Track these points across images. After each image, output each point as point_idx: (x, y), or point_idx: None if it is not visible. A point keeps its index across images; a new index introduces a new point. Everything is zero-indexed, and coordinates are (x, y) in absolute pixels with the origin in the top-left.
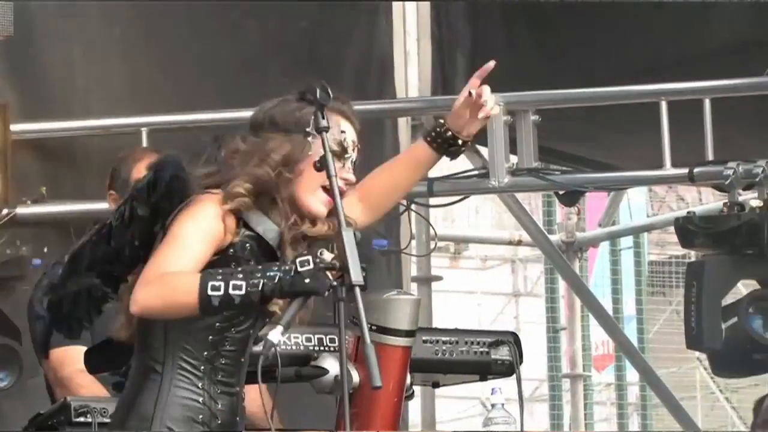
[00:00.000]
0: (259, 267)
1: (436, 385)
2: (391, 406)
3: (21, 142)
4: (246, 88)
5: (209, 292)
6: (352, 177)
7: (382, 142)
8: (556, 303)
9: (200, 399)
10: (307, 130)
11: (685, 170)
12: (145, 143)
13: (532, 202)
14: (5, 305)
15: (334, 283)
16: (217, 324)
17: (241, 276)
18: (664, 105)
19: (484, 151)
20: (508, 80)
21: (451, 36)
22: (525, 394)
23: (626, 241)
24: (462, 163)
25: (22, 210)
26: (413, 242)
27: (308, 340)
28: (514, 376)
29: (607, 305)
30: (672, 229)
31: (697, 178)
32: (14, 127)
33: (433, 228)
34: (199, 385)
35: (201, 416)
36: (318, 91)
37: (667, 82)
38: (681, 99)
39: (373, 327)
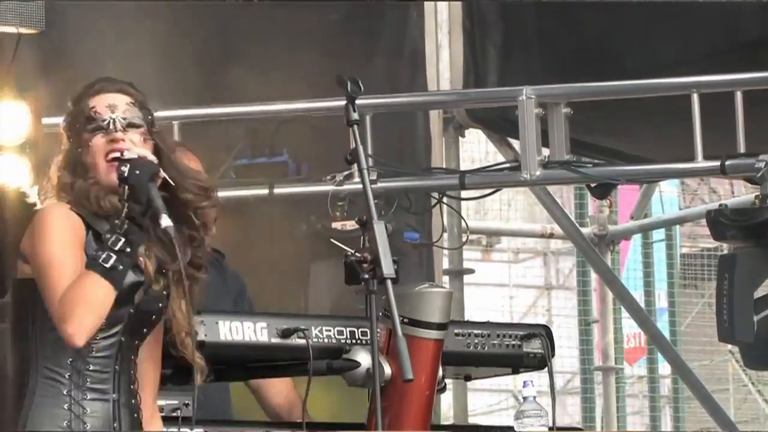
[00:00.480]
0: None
1: (468, 378)
2: (423, 399)
3: (52, 136)
4: (277, 81)
5: (108, 266)
6: (118, 136)
7: (413, 135)
8: (588, 296)
9: (65, 405)
10: (68, 134)
11: (717, 163)
12: (176, 136)
13: (564, 195)
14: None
15: (366, 276)
16: None
17: (108, 237)
18: (695, 97)
19: (515, 143)
20: (540, 73)
21: (482, 29)
22: (557, 387)
23: (658, 234)
24: (494, 156)
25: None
26: (445, 235)
27: (340, 333)
28: (546, 369)
29: (639, 298)
30: (704, 221)
31: (728, 170)
32: (45, 121)
33: (464, 221)
34: (64, 391)
35: (66, 422)
36: (349, 83)
37: (698, 75)
38: (713, 91)
39: (405, 320)
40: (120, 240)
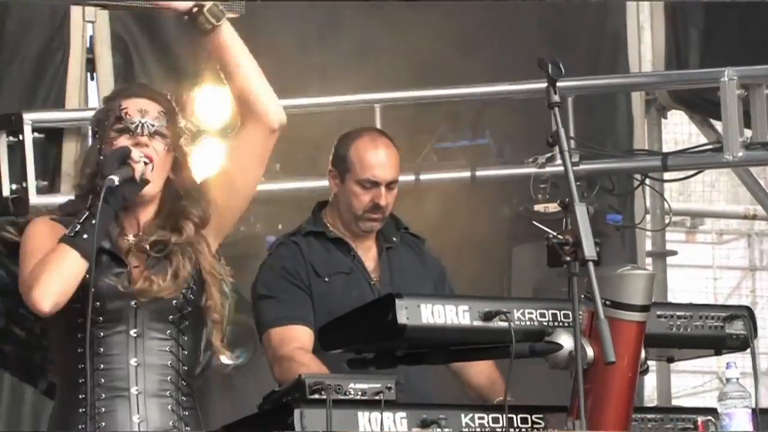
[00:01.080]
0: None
1: (670, 359)
2: (626, 382)
3: None
4: (478, 63)
5: (72, 234)
6: (144, 140)
7: (614, 117)
8: None
9: (81, 409)
10: (96, 129)
11: None
12: (378, 120)
13: None
14: (240, 282)
15: (568, 259)
16: (80, 335)
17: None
18: None
19: (718, 125)
20: (741, 53)
21: (684, 10)
22: (760, 369)
23: None
24: (696, 137)
25: None
26: (648, 217)
27: (542, 315)
28: (749, 350)
29: None
30: None
31: None
32: None
33: (667, 203)
34: (80, 396)
35: (81, 425)
36: (550, 66)
37: None
38: None
39: (607, 302)
40: (85, 213)
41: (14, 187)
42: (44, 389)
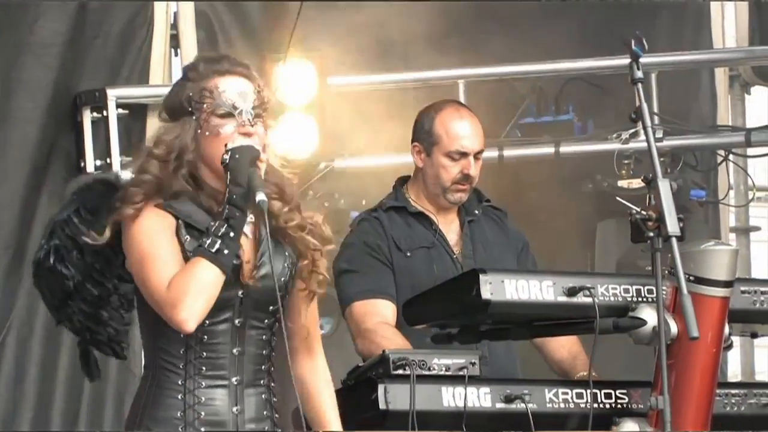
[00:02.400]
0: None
1: (754, 335)
2: (709, 357)
3: (338, 96)
4: (562, 39)
5: (214, 250)
6: (251, 130)
7: (697, 93)
8: None
9: (179, 396)
10: (189, 109)
11: None
12: (462, 95)
13: None
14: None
15: (651, 234)
16: None
17: (211, 224)
18: None
19: None
20: None
21: None
22: None
23: None
24: None
25: (339, 163)
26: (731, 193)
27: (626, 291)
28: None
29: None
30: None
31: None
32: (331, 80)
33: (751, 178)
34: (179, 382)
35: (180, 412)
36: (633, 42)
37: None
38: None
39: (691, 277)
40: (223, 225)
41: (98, 163)
42: (105, 342)
